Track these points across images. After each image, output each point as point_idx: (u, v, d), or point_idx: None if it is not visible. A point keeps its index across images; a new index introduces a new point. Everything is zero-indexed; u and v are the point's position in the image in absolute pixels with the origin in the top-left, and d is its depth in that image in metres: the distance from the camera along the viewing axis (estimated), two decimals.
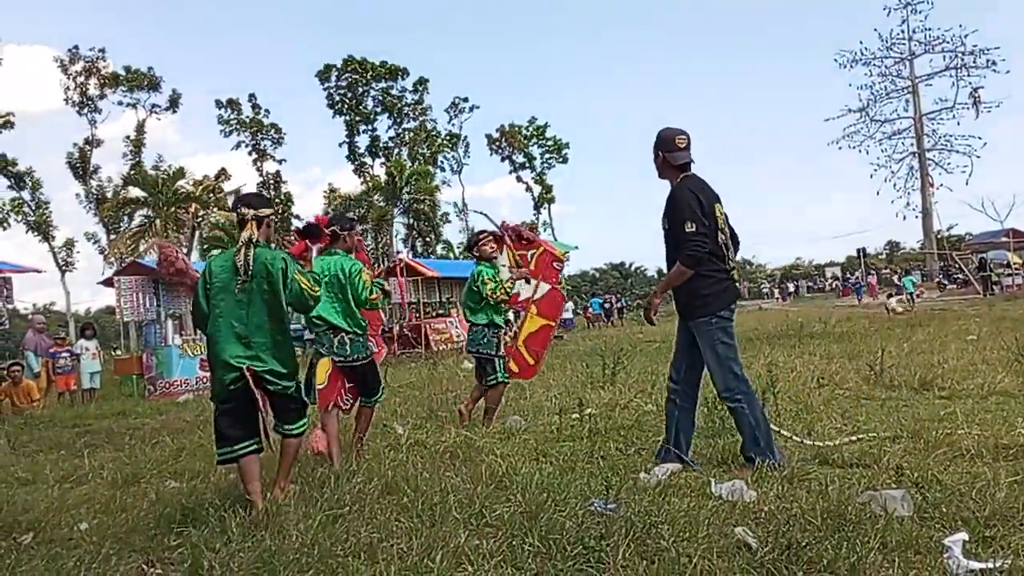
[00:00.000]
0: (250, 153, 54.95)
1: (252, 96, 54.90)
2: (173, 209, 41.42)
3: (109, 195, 45.34)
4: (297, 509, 4.09)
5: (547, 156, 63.59)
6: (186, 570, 3.40)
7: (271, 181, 54.65)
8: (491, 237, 7.31)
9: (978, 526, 3.21)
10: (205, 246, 44.97)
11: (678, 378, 4.86)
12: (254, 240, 4.39)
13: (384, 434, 6.62)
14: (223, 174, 49.81)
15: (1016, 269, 35.02)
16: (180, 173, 44.41)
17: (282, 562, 3.28)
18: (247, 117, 54.63)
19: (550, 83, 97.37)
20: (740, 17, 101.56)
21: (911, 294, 28.40)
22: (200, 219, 44.52)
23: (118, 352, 22.75)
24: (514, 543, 3.35)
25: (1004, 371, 7.47)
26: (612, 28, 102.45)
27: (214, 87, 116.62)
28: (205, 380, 14.59)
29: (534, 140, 63.29)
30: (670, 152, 4.71)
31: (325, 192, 54.78)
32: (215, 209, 44.65)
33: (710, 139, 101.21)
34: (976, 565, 2.78)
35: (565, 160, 63.80)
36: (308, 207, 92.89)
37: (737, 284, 4.81)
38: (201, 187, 45.47)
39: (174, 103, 50.30)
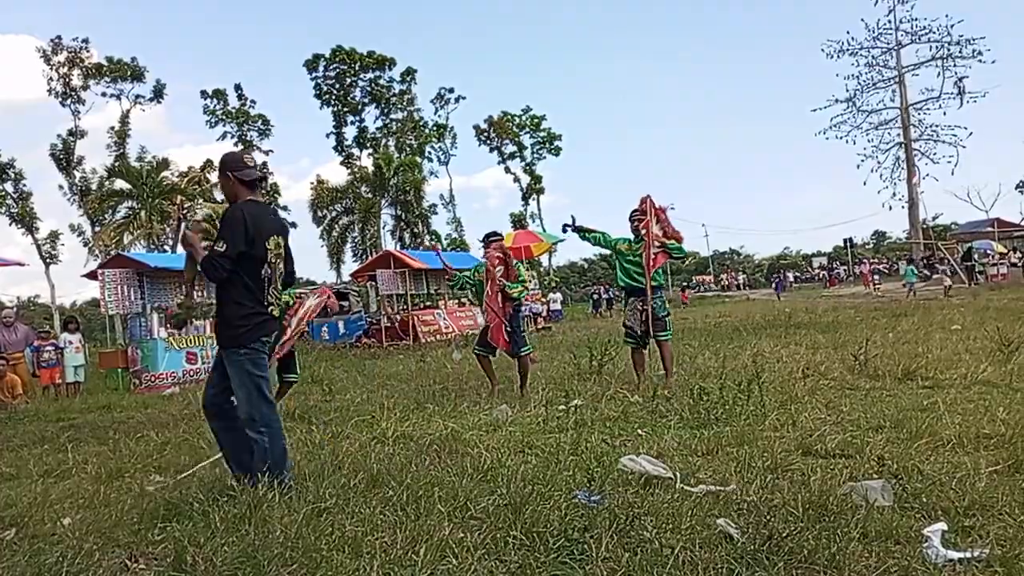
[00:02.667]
0: (236, 144, 54.56)
1: (238, 86, 54.51)
2: (158, 201, 41.12)
3: (93, 187, 44.91)
4: (282, 503, 4.08)
5: (538, 147, 63.47)
6: (169, 565, 3.38)
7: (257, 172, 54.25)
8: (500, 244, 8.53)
9: (958, 516, 3.25)
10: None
11: (211, 400, 4.65)
12: None
13: (370, 427, 6.60)
14: (209, 165, 49.47)
15: (1001, 258, 35.32)
16: (165, 164, 44.16)
17: (266, 556, 3.27)
18: (233, 108, 54.26)
19: (540, 74, 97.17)
20: (727, 7, 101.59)
21: (911, 284, 28.52)
22: (186, 211, 44.22)
23: (116, 344, 22.59)
24: (498, 536, 3.36)
25: (987, 361, 7.54)
26: (602, 19, 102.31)
27: (200, 77, 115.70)
28: (192, 373, 14.56)
29: (526, 130, 63.12)
30: (240, 171, 4.60)
31: (312, 183, 54.54)
32: (201, 201, 44.39)
33: (699, 129, 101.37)
34: (955, 555, 2.81)
35: (557, 152, 63.70)
36: (295, 198, 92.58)
37: (275, 318, 4.62)
38: (187, 179, 45.22)
39: (158, 93, 49.82)
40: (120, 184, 42.97)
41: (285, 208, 55.89)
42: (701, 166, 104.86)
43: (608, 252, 8.90)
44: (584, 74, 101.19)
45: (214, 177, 48.39)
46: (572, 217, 8.54)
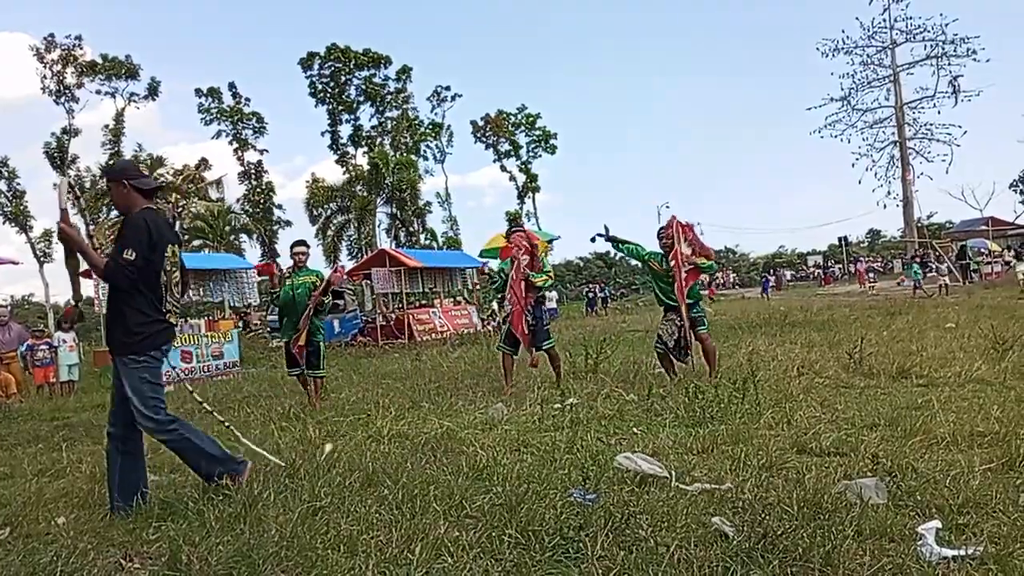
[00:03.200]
0: (231, 142, 54.53)
1: (232, 85, 54.47)
2: (153, 199, 40.98)
3: (88, 185, 44.79)
4: (277, 502, 4.08)
5: (533, 145, 63.52)
6: (164, 564, 3.38)
7: (252, 171, 54.25)
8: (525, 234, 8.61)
9: (951, 513, 3.26)
10: (186, 236, 44.68)
11: (115, 420, 4.56)
12: None
13: (366, 426, 6.60)
14: (204, 164, 49.44)
15: (995, 257, 35.43)
16: (159, 162, 44.10)
17: (261, 555, 3.27)
18: (228, 106, 54.17)
19: (536, 73, 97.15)
20: (724, 5, 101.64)
21: (917, 281, 28.55)
22: (181, 209, 44.16)
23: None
24: (493, 534, 3.36)
25: (981, 359, 7.55)
26: (598, 17, 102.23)
27: (195, 75, 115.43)
28: (187, 372, 14.52)
29: (522, 128, 63.17)
30: (137, 178, 4.52)
31: (307, 182, 54.45)
32: (196, 199, 44.34)
33: (695, 127, 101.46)
34: (949, 552, 2.82)
35: (552, 150, 63.78)
36: (290, 197, 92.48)
37: (173, 325, 4.56)
38: (182, 177, 45.11)
39: (153, 91, 49.76)
40: None
41: (280, 207, 55.79)
42: (697, 164, 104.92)
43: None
44: (580, 72, 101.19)
45: (209, 175, 48.50)
46: (605, 227, 8.56)
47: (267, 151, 56.14)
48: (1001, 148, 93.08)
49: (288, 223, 56.36)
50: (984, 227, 40.44)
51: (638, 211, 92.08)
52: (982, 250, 36.79)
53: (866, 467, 4.00)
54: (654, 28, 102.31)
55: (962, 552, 2.81)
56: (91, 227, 42.07)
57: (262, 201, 54.12)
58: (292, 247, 8.86)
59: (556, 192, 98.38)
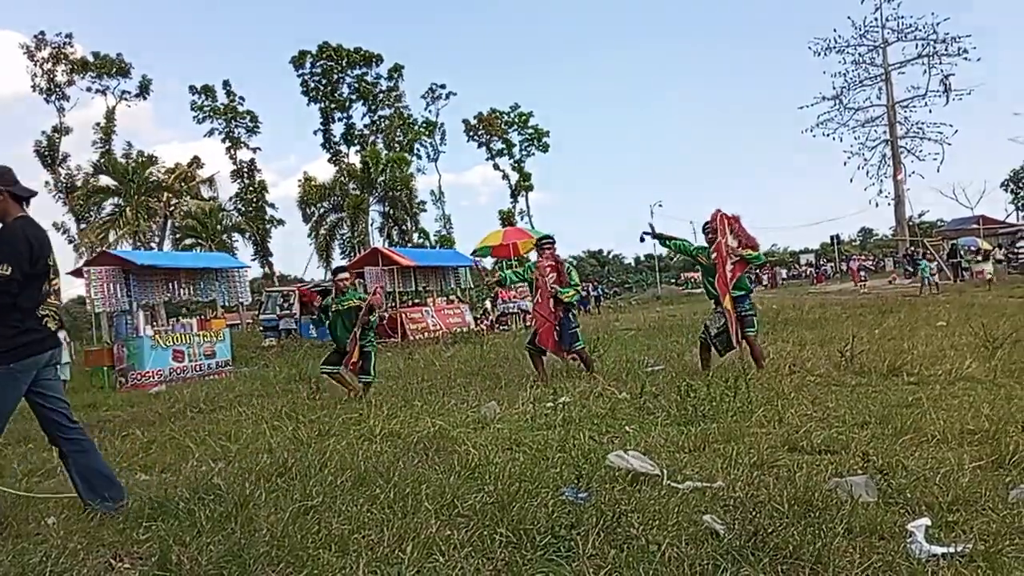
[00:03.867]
0: (224, 140, 54.36)
1: (227, 83, 54.25)
2: (144, 198, 40.87)
3: (79, 184, 44.57)
4: (268, 502, 4.08)
5: (526, 144, 63.52)
6: (154, 564, 3.36)
7: (245, 169, 54.10)
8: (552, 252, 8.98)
9: (941, 511, 3.27)
10: (177, 235, 44.54)
11: (44, 429, 4.42)
12: None
13: (358, 425, 6.59)
14: (196, 162, 49.27)
15: (986, 255, 35.53)
16: (151, 161, 43.90)
17: (252, 555, 3.26)
18: (221, 104, 53.99)
19: (530, 71, 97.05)
20: (717, 4, 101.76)
21: (928, 278, 28.58)
22: (172, 208, 44.05)
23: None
24: (485, 533, 3.36)
25: (971, 357, 7.58)
26: (591, 16, 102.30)
27: (187, 73, 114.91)
28: (179, 371, 14.49)
29: (515, 127, 63.17)
30: (13, 185, 4.29)
31: (300, 181, 54.32)
32: (188, 198, 44.19)
33: (688, 126, 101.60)
34: (938, 550, 2.83)
35: (545, 149, 63.78)
36: (283, 195, 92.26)
37: (53, 333, 4.30)
38: (173, 175, 44.97)
39: (144, 89, 49.53)
40: (106, 181, 42.72)
41: (272, 205, 55.66)
42: (689, 163, 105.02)
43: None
44: (575, 71, 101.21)
45: (202, 173, 48.36)
46: (650, 225, 8.79)
47: (260, 149, 56.02)
48: (992, 147, 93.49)
49: (281, 222, 56.25)
50: (975, 225, 40.59)
51: (632, 210, 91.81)
52: (973, 249, 36.94)
53: (857, 465, 4.01)
54: (648, 27, 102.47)
55: (951, 549, 2.82)
56: (82, 226, 41.98)
57: (255, 200, 53.96)
58: (334, 274, 9.50)
59: (549, 191, 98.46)
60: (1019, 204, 56.80)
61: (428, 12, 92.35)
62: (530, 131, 63.07)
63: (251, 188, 54.06)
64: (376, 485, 4.29)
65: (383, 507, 3.87)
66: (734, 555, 2.89)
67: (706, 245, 8.35)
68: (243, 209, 53.03)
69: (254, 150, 55.06)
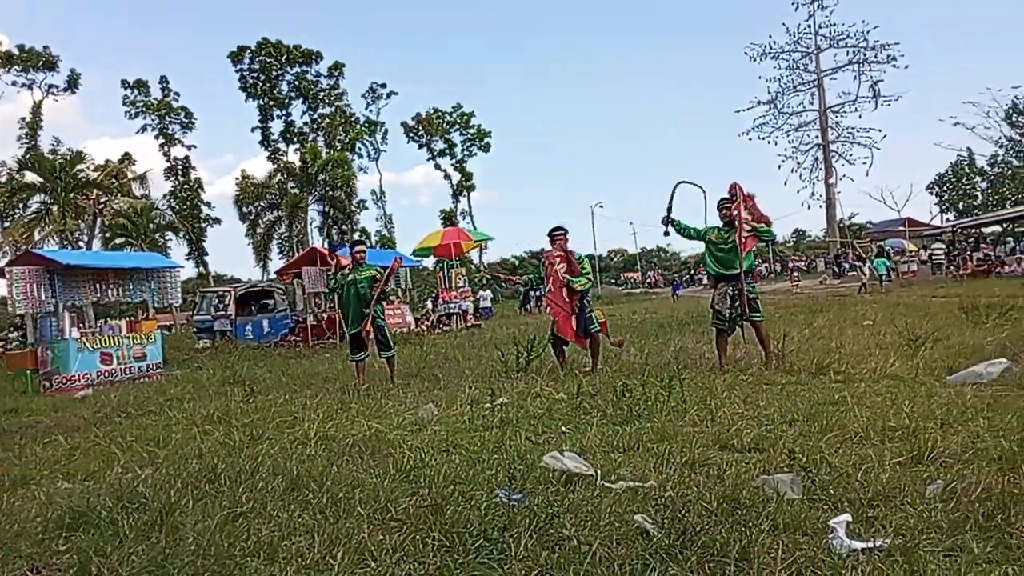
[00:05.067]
0: (157, 137, 52.97)
1: (163, 78, 52.93)
2: (72, 195, 39.50)
3: (2, 180, 42.83)
4: (195, 509, 3.97)
5: (468, 144, 63.44)
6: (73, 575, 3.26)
7: (179, 166, 52.78)
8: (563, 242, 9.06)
9: (862, 506, 3.37)
10: (107, 234, 43.17)
11: None
12: None
13: (292, 428, 6.48)
14: (128, 159, 47.83)
15: (912, 256, 36.86)
16: (80, 157, 42.47)
17: (176, 565, 3.18)
18: (155, 99, 52.58)
19: (472, 71, 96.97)
20: (657, 6, 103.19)
21: (882, 276, 29.37)
22: (102, 206, 42.67)
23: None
24: (418, 537, 3.34)
25: (895, 355, 7.84)
26: (531, 17, 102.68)
27: (120, 68, 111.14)
28: (107, 375, 14.04)
29: (456, 127, 63.02)
30: None
31: (237, 178, 53.26)
32: (119, 195, 42.87)
33: (628, 127, 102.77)
34: (859, 545, 2.91)
35: (487, 149, 63.83)
36: (219, 193, 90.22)
37: None
38: (103, 172, 43.56)
39: (73, 83, 47.93)
40: (31, 178, 41.13)
41: (208, 204, 54.54)
42: (629, 163, 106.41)
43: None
44: (517, 72, 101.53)
45: (133, 171, 46.91)
46: (668, 210, 8.64)
47: (195, 147, 54.83)
48: (918, 151, 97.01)
49: (217, 220, 55.16)
50: (901, 227, 42.04)
51: (573, 210, 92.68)
52: (899, 250, 38.27)
53: (783, 462, 4.11)
54: (588, 28, 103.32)
55: (871, 544, 2.91)
56: (5, 224, 40.35)
57: (189, 198, 52.75)
58: (352, 246, 10.00)
59: (491, 190, 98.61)
60: (943, 207, 59.08)
61: (369, 11, 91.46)
62: (472, 131, 63.04)
63: (185, 186, 52.83)
64: (309, 490, 4.22)
65: (315, 512, 3.81)
66: (663, 554, 2.93)
67: (714, 225, 8.43)
68: (177, 207, 51.78)
69: (189, 147, 53.89)
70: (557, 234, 9.18)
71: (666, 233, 8.86)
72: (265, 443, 5.84)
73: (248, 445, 5.83)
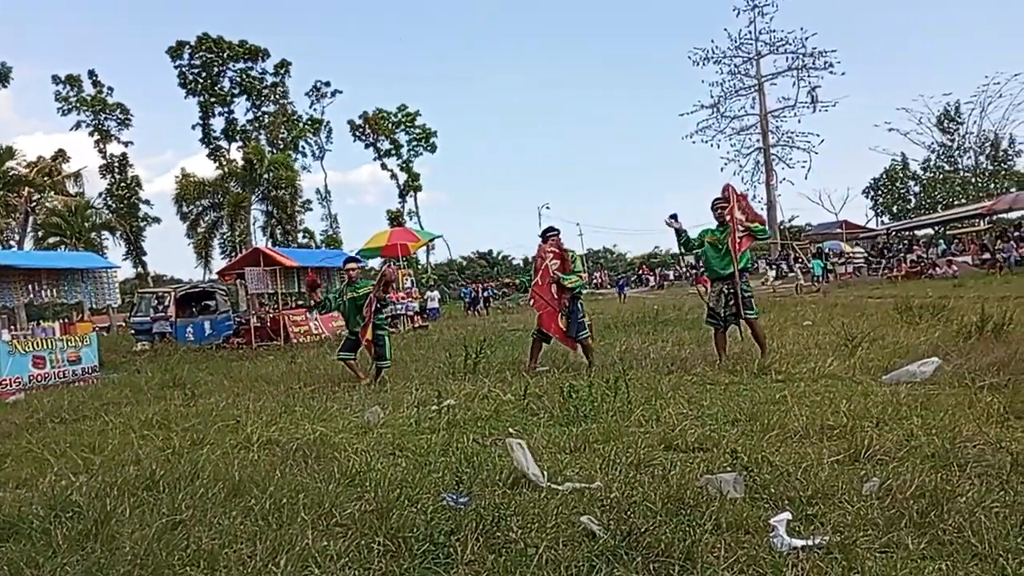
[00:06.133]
0: (92, 134, 51.44)
1: (92, 72, 51.39)
2: (2, 193, 38.11)
3: None
4: (132, 517, 3.86)
5: (414, 144, 63.12)
6: None
7: (116, 164, 51.34)
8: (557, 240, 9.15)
9: (802, 504, 3.45)
10: (40, 233, 41.77)
11: None
12: None
13: (234, 432, 6.34)
14: (61, 156, 46.40)
15: (849, 257, 37.93)
16: (10, 153, 40.97)
17: (112, 575, 3.09)
18: (88, 95, 51.06)
19: (419, 72, 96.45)
20: (606, 10, 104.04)
21: (817, 276, 30.03)
22: (34, 204, 41.27)
23: None
24: (363, 542, 3.31)
25: (833, 355, 8.03)
26: (479, 17, 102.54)
27: (54, 61, 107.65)
28: (40, 378, 13.57)
29: (402, 127, 62.65)
30: None
31: (177, 177, 51.99)
32: (52, 193, 41.54)
33: (574, 128, 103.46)
34: (798, 542, 2.98)
35: (433, 149, 63.61)
36: (158, 191, 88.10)
37: None
38: (36, 169, 42.15)
39: (3, 78, 46.12)
40: None
41: (147, 202, 53.19)
42: (576, 165, 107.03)
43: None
44: (463, 72, 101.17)
45: (68, 168, 45.52)
46: (674, 215, 8.72)
47: (132, 144, 53.44)
48: (855, 156, 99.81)
49: (156, 220, 53.84)
50: (839, 230, 43.24)
51: (520, 211, 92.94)
52: (837, 251, 39.33)
53: (726, 462, 4.17)
54: (536, 29, 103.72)
55: (810, 542, 2.98)
56: None
57: (126, 196, 51.36)
58: (345, 263, 10.08)
59: (439, 191, 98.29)
60: (879, 210, 60.91)
61: (313, 10, 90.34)
62: (418, 131, 62.75)
63: (122, 184, 51.43)
64: (251, 496, 4.14)
65: (257, 519, 3.74)
66: (609, 555, 2.95)
67: (710, 227, 8.52)
68: (114, 206, 50.38)
69: (126, 144, 52.47)
70: (551, 234, 9.26)
71: (679, 239, 8.78)
72: (206, 448, 5.70)
73: (188, 450, 5.69)
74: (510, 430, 5.70)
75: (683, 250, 8.98)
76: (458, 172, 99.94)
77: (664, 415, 5.70)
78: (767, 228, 8.90)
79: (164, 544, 3.40)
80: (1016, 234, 30.06)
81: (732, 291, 8.31)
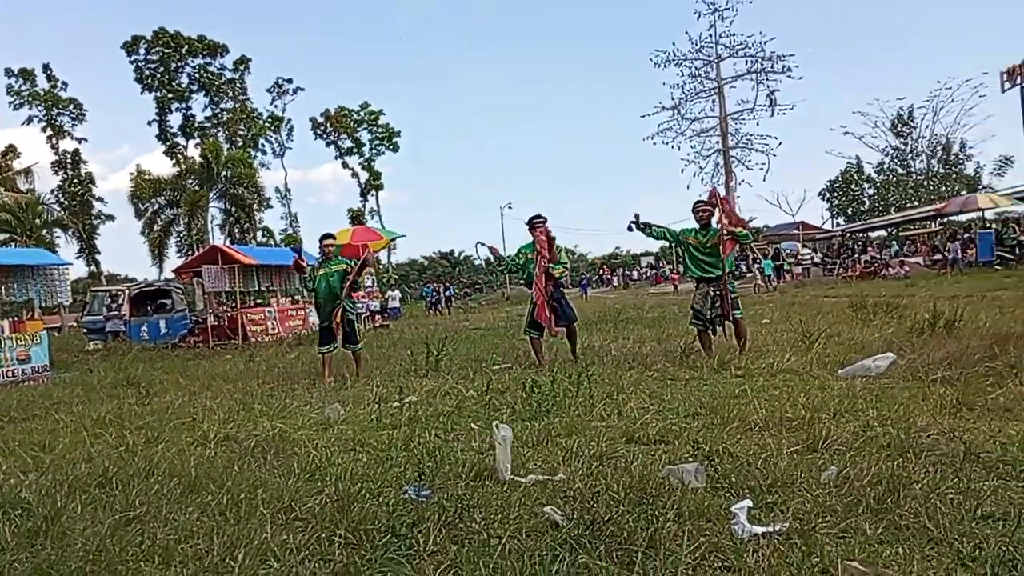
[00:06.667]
0: (44, 129, 50.20)
1: (47, 67, 50.18)
2: None
3: None
4: (84, 514, 3.76)
5: (377, 143, 62.71)
6: None
7: (69, 160, 50.17)
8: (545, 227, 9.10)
9: (762, 493, 3.48)
10: None
11: None
12: None
13: (191, 430, 6.22)
14: (12, 151, 45.22)
15: (798, 259, 38.60)
16: None
17: (63, 571, 3.00)
18: (41, 89, 49.82)
19: (381, 70, 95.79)
20: (570, 12, 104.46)
21: (769, 276, 30.42)
22: None
23: None
24: (323, 536, 3.26)
25: (791, 351, 8.15)
26: (443, 17, 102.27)
27: (6, 55, 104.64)
28: None
29: (364, 126, 62.21)
30: None
31: (132, 174, 50.94)
32: (1, 189, 40.43)
33: (536, 129, 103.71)
34: (759, 529, 3.01)
35: (396, 148, 63.25)
36: (113, 188, 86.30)
37: None
38: None
39: None
40: None
41: (101, 200, 52.07)
42: (538, 166, 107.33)
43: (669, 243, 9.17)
44: (427, 71, 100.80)
45: (18, 164, 44.38)
46: (636, 215, 8.81)
47: (86, 140, 52.28)
48: (812, 159, 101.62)
49: (110, 217, 52.75)
50: (795, 231, 43.96)
51: (482, 211, 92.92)
52: (793, 252, 40.00)
53: (687, 453, 4.20)
54: (499, 29, 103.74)
55: (771, 529, 3.01)
56: None
57: (79, 193, 50.22)
58: (321, 240, 9.73)
59: (401, 190, 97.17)
60: (834, 212, 62.04)
61: (276, 6, 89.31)
62: (380, 130, 62.36)
63: (75, 181, 50.28)
64: (208, 492, 4.05)
65: (214, 514, 3.67)
66: (572, 544, 2.94)
67: (691, 228, 8.58)
68: (66, 203, 49.22)
69: (79, 140, 51.30)
70: (538, 221, 9.21)
71: (629, 229, 8.85)
72: (161, 445, 5.58)
73: (142, 448, 5.57)
74: (473, 425, 5.67)
75: (650, 234, 8.97)
76: (420, 171, 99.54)
77: (626, 409, 5.73)
78: (749, 233, 9.01)
79: (117, 540, 3.31)
80: (966, 236, 30.85)
81: (718, 292, 8.41)
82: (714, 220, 8.52)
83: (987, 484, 3.40)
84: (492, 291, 57.84)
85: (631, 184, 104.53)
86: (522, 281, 10.22)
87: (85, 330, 24.29)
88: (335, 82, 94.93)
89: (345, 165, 62.59)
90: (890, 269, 30.13)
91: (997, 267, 25.53)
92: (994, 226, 32.70)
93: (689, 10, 58.73)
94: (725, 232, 8.35)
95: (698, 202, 8.67)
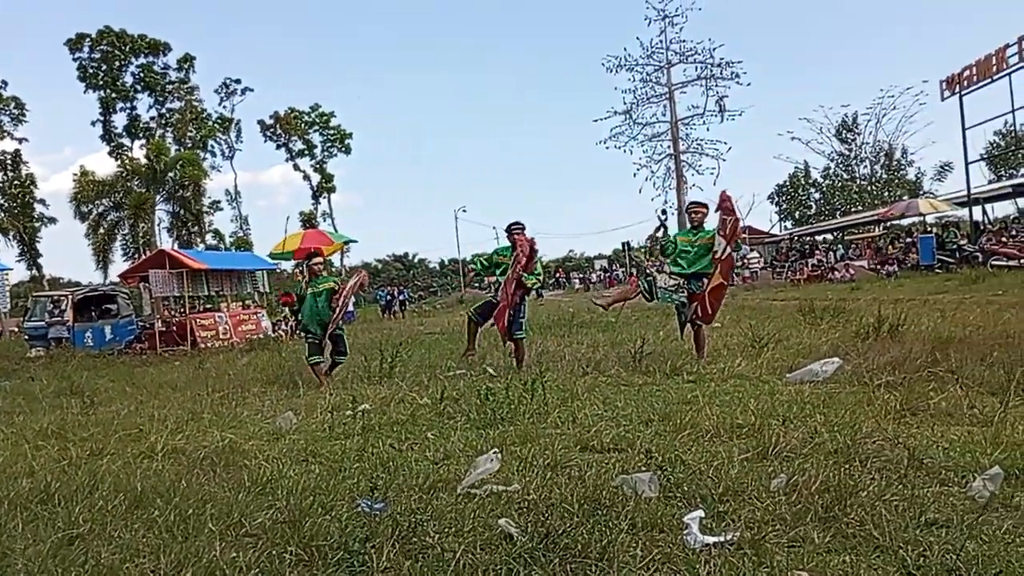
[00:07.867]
0: None
1: None
2: None
3: None
4: (25, 532, 3.64)
5: (328, 145, 62.07)
6: None
7: (8, 161, 48.61)
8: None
9: (714, 502, 3.52)
10: None
11: None
12: None
13: (137, 442, 6.07)
14: None
15: (746, 263, 39.26)
16: None
17: None
18: None
19: (332, 72, 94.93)
20: (515, 13, 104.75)
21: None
22: None
23: None
24: (274, 552, 3.20)
25: (741, 356, 8.28)
26: (398, 18, 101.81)
27: None
28: None
29: (315, 128, 61.52)
30: None
31: (75, 175, 49.53)
32: None
33: (490, 133, 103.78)
34: (711, 539, 3.04)
35: (348, 150, 62.69)
36: (55, 190, 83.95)
37: None
38: None
39: None
40: None
41: (43, 202, 50.54)
42: (491, 169, 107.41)
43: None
44: (379, 74, 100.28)
45: None
46: (664, 212, 9.06)
47: (27, 140, 50.63)
48: (760, 163, 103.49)
49: (52, 220, 51.17)
50: (744, 235, 44.69)
51: (436, 214, 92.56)
52: (744, 256, 40.67)
53: (641, 462, 4.24)
54: (452, 29, 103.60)
55: (722, 539, 3.04)
56: None
57: (20, 195, 48.67)
58: (307, 258, 9.82)
59: (354, 193, 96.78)
60: (782, 216, 63.23)
61: (226, 7, 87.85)
62: (332, 132, 61.74)
63: (16, 182, 48.73)
64: (154, 507, 3.96)
65: (161, 531, 3.58)
66: (526, 558, 2.94)
67: (684, 230, 8.81)
68: (6, 205, 47.69)
69: (20, 140, 49.71)
70: (516, 228, 9.14)
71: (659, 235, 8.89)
72: (106, 458, 5.43)
73: (86, 461, 5.42)
74: (427, 434, 5.65)
75: (662, 250, 8.97)
76: (373, 174, 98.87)
77: (580, 416, 5.76)
78: (740, 242, 9.23)
79: (60, 560, 3.21)
80: (908, 239, 31.69)
81: (694, 293, 8.52)
82: (708, 223, 8.68)
83: (930, 490, 3.49)
84: (447, 294, 57.68)
85: (587, 187, 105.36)
86: (486, 281, 10.27)
87: (26, 336, 23.56)
88: (285, 84, 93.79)
89: (296, 167, 61.90)
90: (836, 273, 30.81)
91: (938, 270, 26.23)
92: (935, 230, 33.63)
93: (640, 15, 59.33)
94: (725, 239, 8.40)
95: (692, 202, 8.91)
